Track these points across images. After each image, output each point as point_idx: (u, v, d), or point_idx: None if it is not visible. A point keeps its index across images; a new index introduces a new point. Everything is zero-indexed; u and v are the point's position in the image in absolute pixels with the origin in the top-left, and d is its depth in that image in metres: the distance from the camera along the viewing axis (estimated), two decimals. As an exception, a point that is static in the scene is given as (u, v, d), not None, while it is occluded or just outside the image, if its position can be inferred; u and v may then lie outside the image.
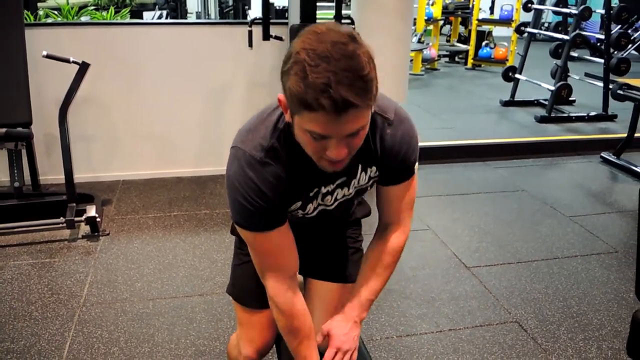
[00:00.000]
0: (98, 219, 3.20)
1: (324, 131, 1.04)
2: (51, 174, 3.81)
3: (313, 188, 1.29)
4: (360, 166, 1.29)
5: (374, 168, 1.31)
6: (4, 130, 3.07)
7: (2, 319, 2.42)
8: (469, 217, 3.62)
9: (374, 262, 1.41)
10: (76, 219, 3.14)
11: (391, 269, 1.42)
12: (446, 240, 3.29)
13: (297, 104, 1.02)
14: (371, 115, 1.11)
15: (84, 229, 3.23)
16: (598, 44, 6.95)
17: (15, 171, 3.26)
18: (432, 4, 8.31)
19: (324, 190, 1.30)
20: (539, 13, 6.45)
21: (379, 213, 1.44)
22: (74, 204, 3.25)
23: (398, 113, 1.29)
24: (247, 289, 1.55)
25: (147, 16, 9.10)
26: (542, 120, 5.56)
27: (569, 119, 5.65)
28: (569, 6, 6.29)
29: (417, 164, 1.35)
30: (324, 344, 1.38)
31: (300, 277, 1.65)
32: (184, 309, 2.53)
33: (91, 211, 3.19)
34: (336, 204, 1.36)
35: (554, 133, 5.29)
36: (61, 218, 3.12)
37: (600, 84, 5.82)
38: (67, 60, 3.22)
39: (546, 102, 5.79)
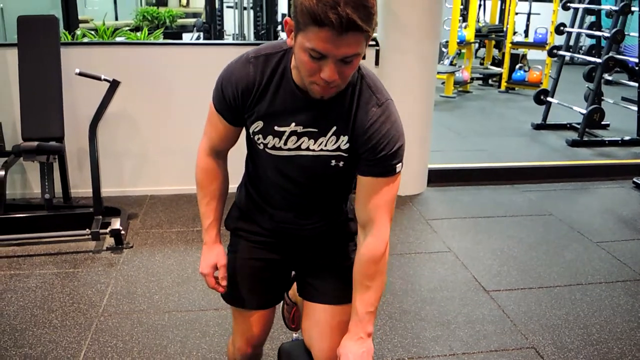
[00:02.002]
0: (122, 232, 3.27)
1: (324, 49, 1.12)
2: (82, 187, 3.92)
3: (283, 122, 1.33)
4: (334, 128, 1.32)
5: (346, 138, 1.33)
6: (35, 143, 3.19)
7: (23, 325, 2.50)
8: (492, 240, 3.57)
9: (360, 276, 1.40)
10: (101, 231, 3.23)
11: (379, 277, 1.40)
12: (467, 263, 3.25)
13: (307, 18, 1.10)
14: (364, 88, 1.29)
15: (109, 241, 3.32)
16: (636, 68, 6.82)
17: (46, 183, 3.37)
18: (465, 27, 8.30)
19: (293, 127, 1.33)
20: (573, 36, 6.37)
21: (356, 213, 1.42)
22: (100, 217, 3.34)
23: (390, 106, 1.33)
24: (235, 290, 1.59)
25: (186, 38, 9.40)
26: (573, 144, 5.47)
27: (602, 143, 5.53)
28: (602, 29, 6.20)
29: (400, 167, 1.34)
30: None
31: (299, 299, 1.67)
32: (198, 323, 2.56)
33: (116, 224, 3.27)
34: (298, 155, 1.35)
35: (586, 157, 5.19)
36: (87, 230, 3.21)
37: (636, 107, 5.70)
38: (98, 78, 3.34)
39: (579, 126, 5.69)
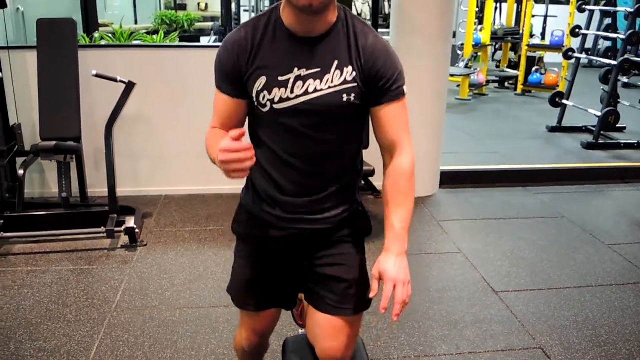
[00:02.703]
0: (137, 230, 3.34)
1: None
2: (99, 187, 4.00)
3: (285, 70, 1.37)
4: (336, 62, 1.37)
5: (350, 69, 1.37)
6: (53, 143, 3.27)
7: (38, 319, 2.57)
8: (502, 242, 3.57)
9: (392, 193, 1.44)
10: (116, 229, 3.30)
11: (410, 194, 1.45)
12: (476, 264, 3.26)
13: None
14: (355, 21, 1.39)
15: (124, 239, 3.38)
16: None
17: (64, 182, 3.45)
18: (481, 30, 8.28)
19: (297, 72, 1.37)
20: (592, 39, 6.33)
21: (379, 142, 1.47)
22: (116, 216, 3.41)
23: (381, 37, 1.42)
24: (241, 292, 1.62)
25: (204, 41, 9.49)
26: (588, 146, 5.44)
27: (618, 146, 5.49)
28: (618, 32, 6.16)
29: (406, 90, 1.42)
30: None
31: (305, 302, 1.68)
32: (209, 319, 2.61)
33: (130, 222, 3.34)
34: (308, 100, 1.37)
35: (600, 160, 5.16)
36: (102, 228, 3.28)
37: (653, 111, 5.66)
38: (114, 80, 3.42)
39: (594, 129, 5.65)
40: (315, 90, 1.37)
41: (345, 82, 1.37)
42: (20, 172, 3.43)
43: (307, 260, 1.56)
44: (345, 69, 1.37)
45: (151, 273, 3.04)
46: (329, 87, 1.37)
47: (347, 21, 1.40)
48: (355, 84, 1.38)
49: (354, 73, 1.38)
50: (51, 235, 3.35)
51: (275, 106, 1.39)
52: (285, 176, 1.47)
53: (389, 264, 1.39)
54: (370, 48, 1.38)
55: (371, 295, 1.40)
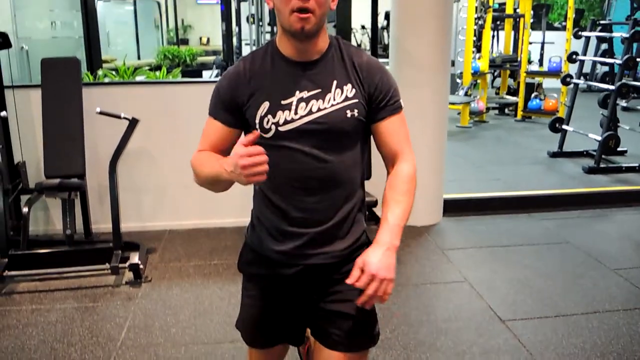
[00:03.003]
0: (141, 266, 3.34)
1: None
2: (103, 222, 4.01)
3: (288, 93, 1.43)
4: (335, 82, 1.45)
5: (349, 86, 1.45)
6: (57, 180, 3.30)
7: (43, 359, 2.55)
8: (508, 270, 3.56)
9: (393, 192, 1.47)
10: (120, 265, 3.30)
11: (410, 195, 1.48)
12: (482, 293, 3.24)
13: None
14: (346, 45, 1.49)
15: (128, 275, 3.38)
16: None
17: (68, 219, 3.47)
18: (479, 58, 8.37)
19: (298, 95, 1.43)
20: (589, 64, 6.40)
21: (382, 156, 1.54)
22: (120, 252, 3.41)
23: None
24: (250, 330, 1.62)
25: (206, 75, 9.62)
26: (590, 171, 5.45)
27: (619, 170, 5.50)
28: (615, 57, 6.22)
29: (402, 102, 1.51)
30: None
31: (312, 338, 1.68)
32: (214, 355, 2.59)
33: (134, 258, 3.34)
34: (312, 120, 1.42)
35: (603, 184, 5.17)
36: (107, 264, 3.29)
37: (653, 134, 5.68)
38: (118, 116, 3.46)
39: (595, 153, 5.67)
40: (319, 110, 1.43)
41: (347, 98, 1.44)
42: (25, 210, 3.45)
43: (315, 295, 1.56)
44: (344, 87, 1.44)
45: (156, 309, 3.03)
46: (332, 105, 1.43)
47: (340, 46, 1.50)
48: (357, 100, 1.45)
49: (354, 90, 1.45)
50: (55, 273, 3.35)
51: (280, 129, 1.43)
52: (293, 204, 1.48)
53: (374, 257, 1.37)
54: (366, 65, 1.48)
55: (347, 281, 1.39)
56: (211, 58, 10.59)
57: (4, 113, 3.57)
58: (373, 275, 1.35)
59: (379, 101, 1.47)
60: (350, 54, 1.49)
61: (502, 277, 3.44)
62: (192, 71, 9.73)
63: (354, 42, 11.19)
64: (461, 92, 7.99)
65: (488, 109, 8.58)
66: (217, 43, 11.44)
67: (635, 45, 5.75)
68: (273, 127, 1.43)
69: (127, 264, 3.31)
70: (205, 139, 1.54)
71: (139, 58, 11.17)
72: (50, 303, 3.09)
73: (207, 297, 3.16)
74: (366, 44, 12.60)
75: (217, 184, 1.44)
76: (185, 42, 12.49)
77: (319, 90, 1.44)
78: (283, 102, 1.43)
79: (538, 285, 3.33)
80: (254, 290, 1.60)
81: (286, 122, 1.42)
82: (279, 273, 1.54)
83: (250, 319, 1.60)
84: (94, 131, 3.80)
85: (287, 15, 1.37)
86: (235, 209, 4.22)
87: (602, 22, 6.46)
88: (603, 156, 5.62)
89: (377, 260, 1.36)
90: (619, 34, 5.92)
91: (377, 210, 3.95)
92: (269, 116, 1.43)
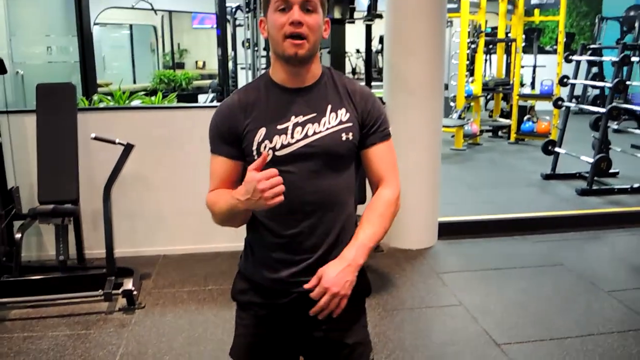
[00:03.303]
0: (135, 292, 3.32)
1: None
2: (97, 248, 3.98)
3: (283, 119, 1.45)
4: (329, 106, 1.48)
5: (344, 110, 1.49)
6: (51, 206, 3.30)
7: (35, 388, 2.53)
8: (503, 293, 3.55)
9: (369, 213, 1.50)
10: (114, 292, 3.27)
11: (385, 219, 1.49)
12: (477, 316, 3.23)
13: None
14: (338, 74, 1.53)
15: (121, 301, 3.35)
16: (642, 116, 6.89)
17: (61, 245, 3.45)
18: (472, 82, 8.46)
19: (294, 120, 1.46)
20: (580, 87, 6.48)
21: (369, 181, 1.57)
22: (113, 278, 3.39)
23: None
24: (243, 358, 1.60)
25: (201, 98, 9.68)
26: (583, 193, 5.48)
27: (612, 192, 5.53)
28: (605, 80, 6.30)
29: (390, 130, 1.55)
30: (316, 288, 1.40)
31: None
32: (208, 382, 2.57)
33: (128, 284, 3.32)
34: (308, 143, 1.44)
35: (596, 206, 5.19)
36: (100, 291, 3.26)
37: (644, 155, 5.72)
38: (113, 142, 3.47)
39: (588, 175, 5.71)
40: (315, 133, 1.46)
41: (341, 122, 1.47)
42: (18, 235, 3.44)
43: (309, 324, 1.53)
44: (339, 111, 1.48)
45: (149, 336, 3.00)
46: (327, 129, 1.46)
47: (332, 74, 1.54)
48: (351, 124, 1.48)
49: (348, 114, 1.48)
50: (48, 299, 3.32)
51: (277, 153, 1.44)
52: (287, 229, 1.48)
53: (332, 271, 1.40)
54: (359, 92, 1.53)
55: (305, 285, 1.42)
56: (207, 82, 10.67)
57: (-2, 139, 3.58)
58: (326, 289, 1.38)
59: (370, 127, 1.51)
60: (343, 82, 1.53)
61: (497, 300, 3.44)
62: (188, 95, 9.80)
63: (348, 66, 11.30)
64: (455, 115, 8.05)
65: (482, 131, 8.65)
66: (213, 67, 11.52)
67: (624, 68, 5.83)
68: (270, 152, 1.44)
69: (120, 290, 3.29)
70: (213, 177, 1.53)
71: (134, 82, 11.24)
72: (42, 330, 3.06)
73: (201, 323, 3.14)
74: (361, 67, 12.72)
75: (235, 217, 1.46)
76: (181, 65, 12.58)
77: (314, 114, 1.46)
78: (279, 127, 1.45)
79: (533, 308, 3.33)
80: (248, 319, 1.59)
81: (283, 147, 1.44)
82: (273, 302, 1.53)
83: (244, 348, 1.59)
84: (89, 156, 3.80)
85: (281, 41, 1.41)
86: (230, 233, 4.19)
87: (592, 46, 6.55)
88: (595, 178, 5.66)
89: (334, 274, 1.39)
90: (608, 57, 6.01)
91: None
92: (266, 141, 1.45)
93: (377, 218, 1.48)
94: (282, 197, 1.32)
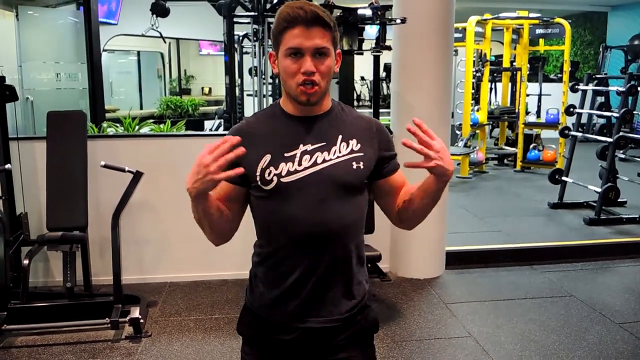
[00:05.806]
0: (141, 321, 3.30)
1: (299, 44, 1.38)
2: (103, 275, 3.98)
3: (291, 147, 1.44)
4: (340, 136, 1.47)
5: (355, 141, 1.47)
6: (59, 233, 3.30)
7: (41, 418, 2.50)
8: (513, 324, 3.52)
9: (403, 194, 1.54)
10: (120, 320, 3.26)
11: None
12: (487, 348, 3.19)
13: (281, 25, 1.39)
14: (347, 107, 1.54)
15: (128, 329, 3.33)
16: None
17: (68, 272, 3.44)
18: (478, 110, 8.50)
19: (302, 148, 1.44)
20: (585, 116, 6.49)
21: (386, 207, 1.58)
22: (120, 305, 3.38)
23: None
24: None
25: (208, 125, 9.73)
26: (591, 222, 5.45)
27: (620, 221, 5.50)
28: (612, 109, 6.32)
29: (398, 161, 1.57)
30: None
31: None
32: (215, 414, 2.54)
33: (135, 312, 3.30)
34: (317, 171, 1.42)
35: (604, 236, 5.16)
36: (107, 319, 3.25)
37: (652, 185, 5.70)
38: (122, 170, 3.48)
39: (595, 204, 5.68)
40: (324, 161, 1.44)
41: (352, 151, 1.46)
42: (25, 262, 3.43)
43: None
44: (350, 141, 1.47)
45: (156, 365, 2.98)
46: (337, 157, 1.45)
47: (342, 106, 1.55)
48: (363, 154, 1.46)
49: (359, 145, 1.47)
50: (54, 327, 3.31)
51: (282, 180, 1.41)
52: (294, 263, 1.44)
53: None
54: (369, 123, 1.53)
55: (416, 131, 1.41)
56: (213, 108, 10.73)
57: (8, 166, 3.59)
58: (442, 149, 1.40)
59: (383, 157, 1.51)
60: (352, 113, 1.54)
61: (507, 332, 3.40)
62: (194, 121, 9.86)
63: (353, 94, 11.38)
64: (461, 143, 8.07)
65: (487, 159, 8.65)
66: (219, 93, 11.61)
67: (630, 98, 5.85)
68: (275, 178, 1.41)
69: (127, 319, 3.27)
70: None
71: (141, 108, 11.32)
72: (48, 358, 3.04)
73: (208, 352, 3.11)
74: (365, 94, 12.81)
75: (205, 216, 1.43)
76: (187, 92, 12.69)
77: (324, 143, 1.45)
78: (286, 155, 1.43)
79: (543, 340, 3.29)
80: (252, 355, 1.55)
81: (289, 173, 1.42)
82: (277, 338, 1.49)
83: None
84: (98, 183, 3.82)
85: (294, 87, 1.41)
86: (237, 261, 4.20)
87: (597, 76, 6.58)
88: (603, 207, 5.63)
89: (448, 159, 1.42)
90: (614, 87, 6.03)
91: (381, 265, 3.93)
92: (271, 168, 1.42)
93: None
94: (237, 170, 1.31)
